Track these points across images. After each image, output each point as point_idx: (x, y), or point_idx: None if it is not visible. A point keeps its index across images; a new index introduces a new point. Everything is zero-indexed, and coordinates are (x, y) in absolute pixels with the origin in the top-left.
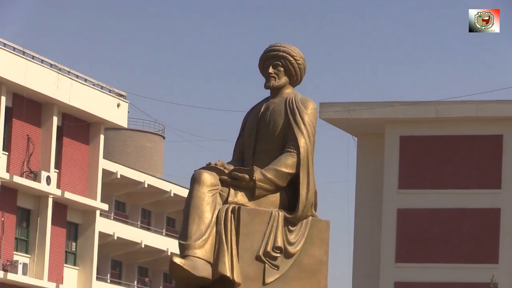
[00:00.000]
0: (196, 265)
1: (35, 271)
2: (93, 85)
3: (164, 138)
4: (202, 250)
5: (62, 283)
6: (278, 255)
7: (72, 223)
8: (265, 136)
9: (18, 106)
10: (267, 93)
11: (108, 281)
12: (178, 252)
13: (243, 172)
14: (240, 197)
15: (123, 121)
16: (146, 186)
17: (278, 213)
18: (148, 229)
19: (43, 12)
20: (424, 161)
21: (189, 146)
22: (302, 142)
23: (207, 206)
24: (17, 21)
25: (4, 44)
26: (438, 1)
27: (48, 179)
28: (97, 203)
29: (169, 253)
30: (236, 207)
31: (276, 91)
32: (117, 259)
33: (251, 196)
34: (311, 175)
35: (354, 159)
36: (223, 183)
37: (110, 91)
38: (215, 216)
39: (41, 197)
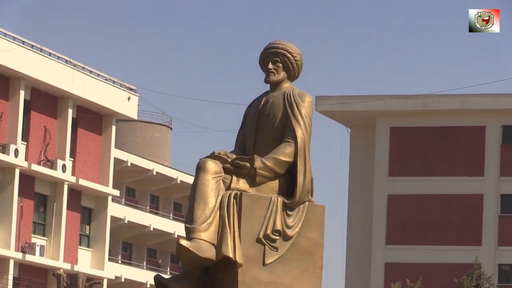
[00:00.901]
0: (201, 247)
1: (51, 252)
2: (105, 79)
3: (171, 129)
4: (207, 233)
5: (76, 264)
6: (277, 237)
7: (86, 207)
8: (265, 127)
9: (36, 99)
10: (267, 87)
11: (120, 262)
12: (184, 235)
13: (245, 161)
14: (242, 184)
15: (133, 113)
16: (154, 173)
17: (277, 199)
18: (157, 214)
19: (60, 11)
20: (413, 151)
21: (194, 136)
22: (299, 132)
23: (211, 192)
24: (35, 20)
25: (23, 42)
26: (438, 1)
27: (64, 167)
28: (109, 189)
29: (176, 236)
30: (238, 193)
31: (275, 85)
32: (127, 241)
33: (252, 183)
34: (307, 163)
35: (347, 148)
36: (226, 170)
37: (121, 85)
38: (218, 201)
39: (57, 183)
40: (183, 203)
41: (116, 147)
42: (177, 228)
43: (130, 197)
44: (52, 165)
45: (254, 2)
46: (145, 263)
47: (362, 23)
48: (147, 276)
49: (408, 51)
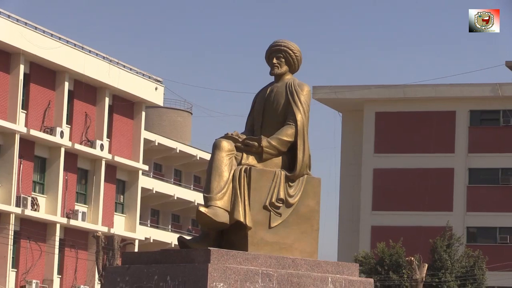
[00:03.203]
0: (217, 213)
1: (91, 218)
2: (136, 73)
3: (191, 114)
4: (222, 201)
5: (112, 227)
6: (281, 205)
7: (120, 180)
8: (270, 112)
9: (78, 89)
10: (272, 78)
11: (148, 225)
12: (203, 202)
13: (253, 140)
14: (251, 160)
15: (159, 101)
16: (178, 151)
17: (281, 172)
18: (180, 185)
19: (99, 14)
20: (394, 132)
21: (211, 120)
22: (299, 117)
23: (225, 167)
24: (78, 21)
25: (67, 41)
26: (438, 1)
27: (102, 146)
28: (140, 165)
29: (196, 204)
30: (248, 168)
31: (278, 77)
32: (155, 208)
33: (260, 159)
34: (306, 142)
35: (339, 130)
36: (237, 149)
37: (149, 77)
38: (231, 174)
39: (96, 160)
40: (202, 176)
41: (145, 129)
42: (197, 197)
43: (157, 171)
44: (91, 144)
45: (261, 3)
46: (170, 226)
47: (357, 24)
48: (171, 237)
49: (392, 47)
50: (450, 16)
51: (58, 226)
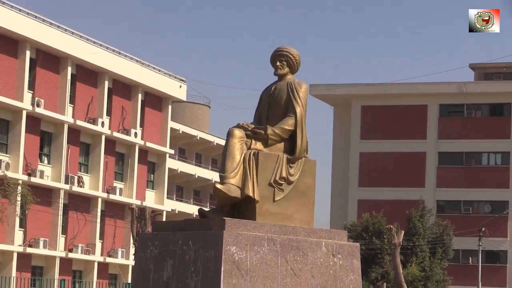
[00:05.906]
0: (231, 188)
1: (127, 193)
2: (164, 73)
3: (209, 107)
4: (234, 179)
5: (144, 201)
6: (283, 182)
7: (151, 162)
8: (274, 106)
9: (116, 87)
10: (276, 78)
11: (174, 199)
12: (219, 180)
13: (260, 129)
14: (258, 145)
15: (183, 97)
16: (198, 138)
17: (283, 155)
18: (200, 166)
19: (135, 24)
20: (377, 122)
21: (226, 112)
22: (298, 110)
23: (237, 151)
24: (114, 29)
25: (107, 47)
26: (439, 1)
27: (135, 134)
28: (167, 149)
29: (213, 181)
30: (256, 152)
31: (281, 77)
32: (180, 185)
33: (266, 145)
34: (304, 130)
35: (331, 120)
36: (247, 136)
37: (175, 77)
38: (242, 157)
39: (131, 145)
40: (218, 159)
41: (171, 120)
42: (214, 176)
43: (182, 155)
44: (127, 132)
45: (267, 13)
46: (192, 200)
47: (349, 30)
48: (193, 209)
49: (375, 51)
50: (440, 19)
51: (99, 200)
